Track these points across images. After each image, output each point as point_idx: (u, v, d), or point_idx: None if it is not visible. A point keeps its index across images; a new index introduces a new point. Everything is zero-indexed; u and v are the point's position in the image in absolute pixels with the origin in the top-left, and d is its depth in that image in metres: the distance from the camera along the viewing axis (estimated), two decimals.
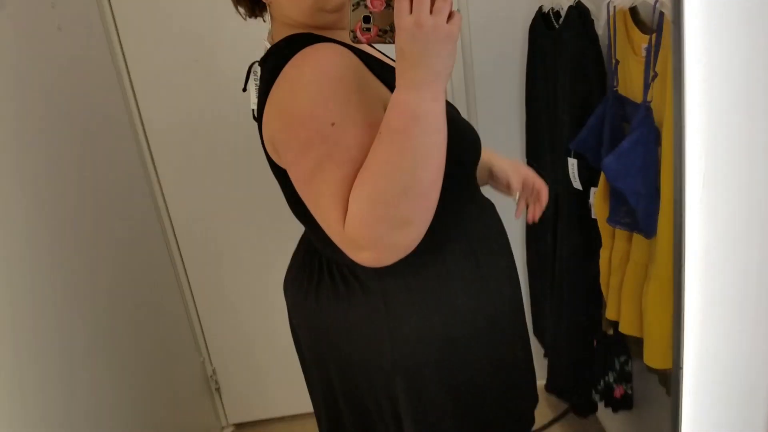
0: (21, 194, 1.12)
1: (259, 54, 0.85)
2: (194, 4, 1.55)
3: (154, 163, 1.68)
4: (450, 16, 0.63)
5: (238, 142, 1.65)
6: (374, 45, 0.79)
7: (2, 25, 1.12)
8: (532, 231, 1.66)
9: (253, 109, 0.87)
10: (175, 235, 1.75)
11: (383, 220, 0.65)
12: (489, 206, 0.94)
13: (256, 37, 0.91)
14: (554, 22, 1.37)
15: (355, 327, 0.85)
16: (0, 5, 1.11)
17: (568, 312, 1.42)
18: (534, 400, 1.02)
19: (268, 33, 0.86)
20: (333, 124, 0.68)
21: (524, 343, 0.97)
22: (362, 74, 0.74)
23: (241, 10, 0.87)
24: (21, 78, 1.16)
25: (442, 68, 0.64)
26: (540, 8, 1.45)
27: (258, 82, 0.84)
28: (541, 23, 1.44)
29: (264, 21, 0.89)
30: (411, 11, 0.62)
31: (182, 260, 1.78)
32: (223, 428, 1.96)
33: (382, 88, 0.76)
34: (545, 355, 1.72)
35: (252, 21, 0.89)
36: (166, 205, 1.72)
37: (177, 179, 1.70)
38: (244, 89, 0.93)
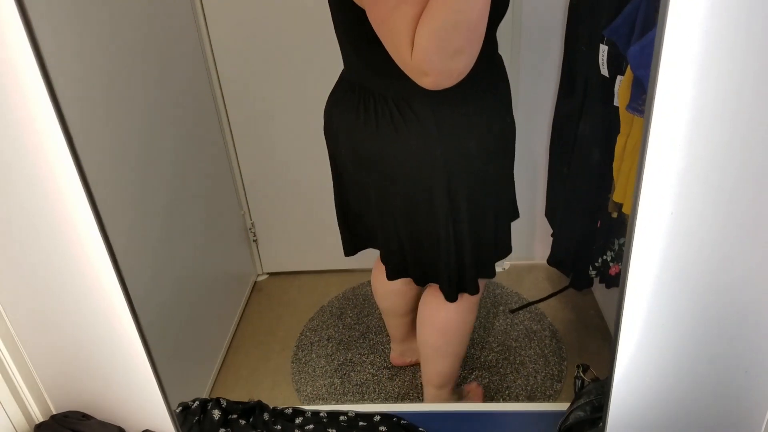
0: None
1: None
2: None
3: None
4: None
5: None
6: None
7: None
8: (559, 115, 1.76)
9: None
10: (222, 93, 1.86)
11: (441, 49, 0.82)
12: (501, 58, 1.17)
13: None
14: None
15: (413, 148, 1.06)
16: None
17: (579, 192, 1.56)
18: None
19: None
20: None
21: None
22: None
23: None
24: None
25: None
26: None
27: None
28: None
29: None
30: None
31: (228, 119, 1.91)
32: (258, 275, 2.21)
33: None
34: (552, 234, 1.90)
35: None
36: (214, 58, 1.81)
37: (227, 33, 1.78)
38: None
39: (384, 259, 1.30)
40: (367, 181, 1.16)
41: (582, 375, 1.13)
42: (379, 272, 1.38)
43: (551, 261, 1.89)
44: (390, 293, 1.52)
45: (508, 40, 1.73)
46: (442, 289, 1.24)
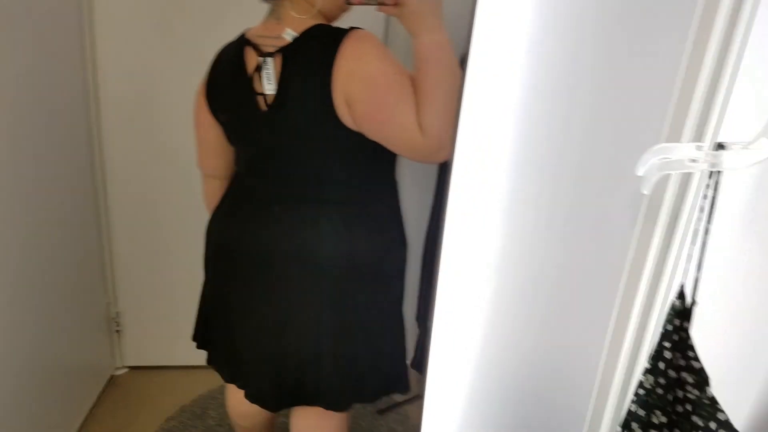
0: None
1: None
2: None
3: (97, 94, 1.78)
4: None
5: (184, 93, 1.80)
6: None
7: None
8: (432, 228, 1.91)
9: (265, 95, 1.07)
10: (103, 166, 1.85)
11: (448, 123, 0.97)
12: None
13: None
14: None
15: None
16: None
17: None
18: None
19: (273, 21, 1.08)
20: (398, 75, 1.00)
21: None
22: None
23: None
24: None
25: (440, 12, 1.02)
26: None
27: (275, 69, 1.06)
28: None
29: (273, 12, 1.09)
30: None
31: (106, 200, 1.89)
32: (116, 368, 2.08)
33: None
34: (417, 338, 1.99)
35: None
36: (99, 141, 1.81)
37: (116, 114, 1.81)
38: (252, 80, 1.08)
39: (255, 381, 1.22)
40: (297, 290, 1.14)
41: None
42: (236, 391, 1.29)
43: (415, 365, 1.97)
44: (248, 411, 1.37)
45: None
46: (330, 404, 1.19)
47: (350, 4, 1.06)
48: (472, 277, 0.90)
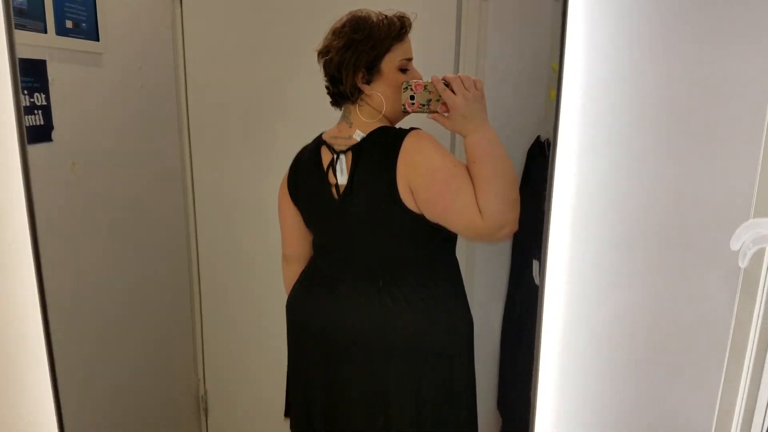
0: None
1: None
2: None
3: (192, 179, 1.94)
4: (475, 83, 1.13)
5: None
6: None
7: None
8: (508, 311, 1.88)
9: (338, 185, 1.24)
10: (198, 253, 1.98)
11: (507, 204, 1.09)
12: None
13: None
14: (546, 151, 1.64)
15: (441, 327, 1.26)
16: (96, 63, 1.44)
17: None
18: None
19: (345, 124, 1.26)
20: (455, 165, 1.13)
21: None
22: None
23: (340, 94, 1.24)
24: None
25: (485, 113, 1.14)
26: (538, 137, 1.73)
27: (347, 164, 1.22)
28: (537, 149, 1.67)
29: (345, 117, 1.27)
30: (454, 92, 1.12)
31: (200, 286, 2.01)
32: None
33: None
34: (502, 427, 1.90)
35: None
36: (195, 225, 1.96)
37: (210, 185, 1.95)
38: (327, 173, 1.26)
39: None
40: (375, 368, 1.24)
41: None
42: None
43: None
44: None
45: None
46: None
47: (406, 113, 1.22)
48: (577, 350, 0.88)
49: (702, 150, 0.85)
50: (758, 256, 0.83)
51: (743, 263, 0.72)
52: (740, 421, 0.88)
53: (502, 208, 1.09)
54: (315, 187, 1.27)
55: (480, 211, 1.09)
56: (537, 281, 1.53)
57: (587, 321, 0.90)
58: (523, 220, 1.82)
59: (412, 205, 1.16)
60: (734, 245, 0.72)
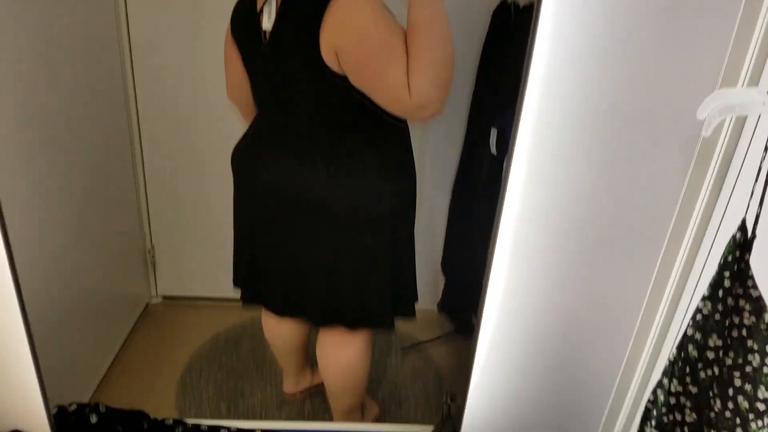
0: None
1: None
2: None
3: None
4: None
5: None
6: None
7: None
8: (460, 179, 1.93)
9: (265, 30, 1.11)
10: (137, 107, 1.89)
11: (435, 84, 1.00)
12: None
13: None
14: (512, 14, 1.56)
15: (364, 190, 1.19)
16: None
17: (476, 249, 1.72)
18: None
19: None
20: (391, 31, 1.00)
21: None
22: None
23: None
24: None
25: None
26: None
27: (278, 7, 1.09)
28: (502, 12, 1.62)
29: None
30: None
31: (140, 135, 1.93)
32: (152, 298, 2.17)
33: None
34: (445, 285, 2.04)
35: None
36: (134, 81, 1.84)
37: (149, 56, 1.83)
38: (260, 16, 1.14)
39: (279, 298, 1.35)
40: (300, 224, 1.22)
41: (449, 402, 1.24)
42: (271, 314, 1.45)
43: (441, 308, 2.03)
44: (283, 333, 1.56)
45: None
46: (352, 323, 1.31)
47: None
48: (526, 227, 0.93)
49: (676, 24, 0.84)
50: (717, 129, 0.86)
51: (707, 132, 0.75)
52: (671, 293, 0.97)
53: (430, 87, 1.01)
54: (248, 29, 1.17)
55: (408, 87, 1.00)
56: (493, 150, 1.56)
57: (544, 191, 0.92)
58: (480, 89, 1.84)
59: (335, 66, 1.06)
60: (701, 114, 0.74)
